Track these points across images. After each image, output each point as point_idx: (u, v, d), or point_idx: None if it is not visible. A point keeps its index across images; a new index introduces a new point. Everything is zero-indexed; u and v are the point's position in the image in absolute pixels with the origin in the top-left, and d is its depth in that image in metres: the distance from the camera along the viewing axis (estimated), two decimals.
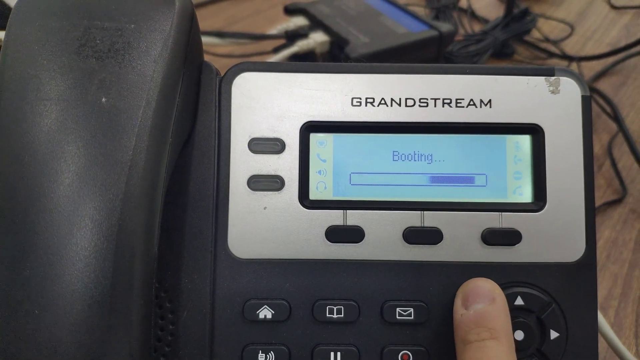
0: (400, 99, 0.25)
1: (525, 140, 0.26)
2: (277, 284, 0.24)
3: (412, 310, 0.24)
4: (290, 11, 0.56)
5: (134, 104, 0.21)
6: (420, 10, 0.59)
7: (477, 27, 0.66)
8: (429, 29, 0.52)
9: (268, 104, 0.25)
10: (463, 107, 0.25)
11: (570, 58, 0.63)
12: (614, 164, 0.50)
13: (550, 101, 0.26)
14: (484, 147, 0.26)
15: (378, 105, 0.25)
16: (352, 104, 0.25)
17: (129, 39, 0.22)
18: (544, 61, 0.63)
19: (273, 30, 0.54)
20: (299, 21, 0.54)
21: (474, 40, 0.59)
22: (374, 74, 0.26)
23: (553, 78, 0.26)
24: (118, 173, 0.20)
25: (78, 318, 0.19)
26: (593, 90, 0.57)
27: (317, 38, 0.51)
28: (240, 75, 0.26)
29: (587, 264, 0.25)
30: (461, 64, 0.26)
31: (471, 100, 0.26)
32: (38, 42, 0.22)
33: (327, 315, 0.24)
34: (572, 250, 0.25)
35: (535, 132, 0.26)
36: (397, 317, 0.24)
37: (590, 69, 0.61)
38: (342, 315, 0.24)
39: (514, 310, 0.24)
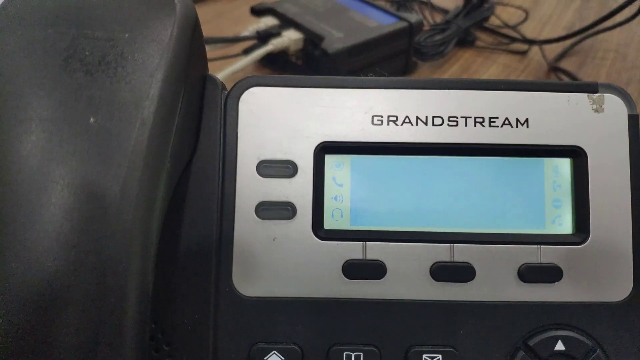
0: (426, 117, 0.23)
1: (565, 164, 0.23)
2: (287, 326, 0.22)
3: (440, 357, 0.22)
4: (257, 12, 0.55)
5: (127, 124, 0.18)
6: (381, 4, 0.60)
7: (438, 18, 0.68)
8: (398, 21, 0.53)
9: (279, 122, 0.23)
10: (497, 126, 0.23)
11: (531, 42, 0.65)
12: None
13: (593, 121, 0.23)
14: (519, 171, 0.23)
15: (402, 124, 0.23)
16: (373, 123, 0.23)
17: (122, 50, 0.20)
18: (507, 46, 0.66)
19: (244, 32, 0.53)
20: (269, 21, 0.53)
21: (439, 29, 0.60)
22: (397, 89, 0.23)
23: (597, 95, 0.23)
24: (107, 206, 0.17)
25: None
26: (558, 69, 0.61)
27: (291, 36, 0.51)
28: (248, 90, 0.23)
29: (636, 303, 0.22)
30: (496, 79, 0.23)
31: (506, 119, 0.23)
32: (20, 54, 0.19)
33: None
34: (619, 288, 0.22)
35: (576, 154, 0.23)
36: None
37: (552, 51, 0.64)
38: None
39: (554, 356, 0.22)
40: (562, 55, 0.64)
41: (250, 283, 0.22)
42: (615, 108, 0.23)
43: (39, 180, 0.17)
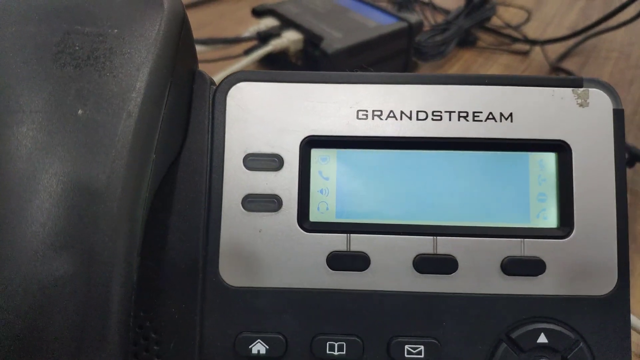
0: (411, 111, 0.23)
1: (550, 158, 0.23)
2: (272, 315, 0.22)
3: (422, 347, 0.22)
4: (258, 13, 0.56)
5: (113, 116, 0.19)
6: (383, 5, 0.61)
7: (439, 18, 0.68)
8: (398, 21, 0.53)
9: (266, 116, 0.23)
10: (481, 121, 0.23)
11: (533, 42, 0.65)
12: None
13: (578, 115, 0.23)
14: (504, 165, 0.23)
15: (386, 119, 0.23)
16: (358, 117, 0.23)
17: (110, 44, 0.20)
18: (508, 46, 0.65)
19: (245, 33, 0.54)
20: (269, 22, 0.54)
21: (440, 30, 0.60)
22: (382, 84, 0.23)
23: (581, 90, 0.23)
24: (93, 194, 0.18)
25: (47, 354, 0.17)
26: (559, 69, 0.61)
27: (291, 36, 0.51)
28: (236, 85, 0.23)
29: (620, 297, 0.22)
30: (480, 74, 0.23)
31: (490, 113, 0.23)
32: (12, 48, 0.20)
33: (328, 352, 0.22)
34: (603, 282, 0.22)
35: (561, 149, 0.23)
36: (406, 356, 0.22)
37: (554, 51, 0.64)
38: (344, 353, 0.22)
39: (536, 349, 0.22)
40: (565, 55, 0.64)
41: (237, 273, 0.22)
42: (600, 102, 0.23)
43: (28, 169, 0.18)
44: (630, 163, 0.46)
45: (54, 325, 0.17)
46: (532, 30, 0.69)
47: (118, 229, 0.18)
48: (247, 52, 0.53)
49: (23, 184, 0.18)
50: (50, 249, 0.18)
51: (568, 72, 0.59)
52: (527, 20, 0.70)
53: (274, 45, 0.51)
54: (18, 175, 0.18)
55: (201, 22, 0.65)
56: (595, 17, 0.59)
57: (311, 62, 0.51)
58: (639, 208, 0.44)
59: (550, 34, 0.68)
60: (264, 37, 0.52)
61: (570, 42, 0.65)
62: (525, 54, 0.64)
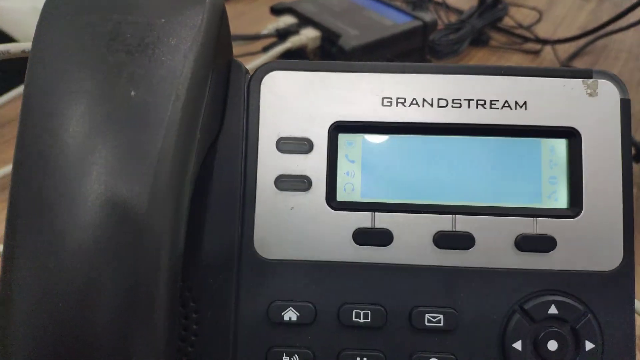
0: (432, 99, 0.25)
1: (561, 144, 0.25)
2: (302, 285, 0.24)
3: (441, 316, 0.23)
4: (276, 11, 0.57)
5: (163, 98, 0.21)
6: (398, 4, 0.62)
7: (452, 18, 0.70)
8: (413, 20, 0.55)
9: (297, 103, 0.25)
10: (497, 108, 0.25)
11: (544, 42, 0.66)
12: None
13: (587, 104, 0.25)
14: (518, 150, 0.25)
15: (409, 106, 0.25)
16: (383, 104, 0.25)
17: (158, 33, 0.22)
18: (520, 45, 0.67)
19: (264, 30, 0.55)
20: (288, 20, 0.55)
21: (453, 29, 0.62)
22: (406, 73, 0.25)
23: (591, 80, 0.25)
24: (146, 167, 0.20)
25: (103, 314, 0.19)
26: None
27: (309, 34, 0.53)
28: (269, 74, 0.25)
29: (625, 273, 0.24)
30: (497, 65, 0.25)
31: (506, 102, 0.25)
32: (69, 36, 0.22)
33: (354, 319, 0.23)
34: (609, 258, 0.24)
35: (571, 135, 0.25)
36: (426, 324, 0.23)
37: (564, 51, 0.66)
38: (369, 320, 0.23)
39: (547, 320, 0.24)
40: (575, 55, 0.65)
41: (270, 247, 0.24)
42: (608, 93, 0.25)
43: (87, 144, 0.20)
44: (637, 158, 0.48)
45: (107, 289, 0.19)
46: (543, 31, 0.70)
47: (167, 201, 0.20)
48: (266, 48, 0.54)
49: (81, 157, 0.20)
50: (104, 219, 0.19)
51: None
52: (539, 20, 0.72)
53: (292, 42, 0.52)
54: (73, 146, 0.20)
55: None
56: (605, 18, 0.60)
57: (328, 58, 0.52)
58: None
59: (560, 34, 0.70)
60: (282, 35, 0.54)
61: (581, 42, 0.66)
62: (536, 53, 0.65)
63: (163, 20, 0.22)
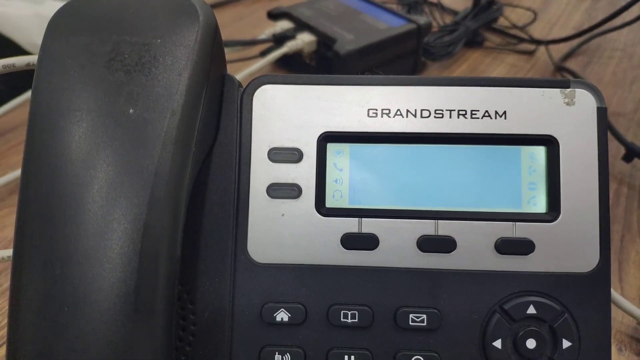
0: (415, 110, 0.26)
1: (539, 151, 0.26)
2: (293, 288, 0.25)
3: (425, 316, 0.25)
4: (273, 16, 0.58)
5: (160, 114, 0.22)
6: (393, 7, 0.63)
7: (448, 19, 0.71)
8: (407, 23, 0.56)
9: (287, 115, 0.26)
10: (478, 118, 0.26)
11: (538, 42, 0.67)
12: None
13: (565, 113, 0.26)
14: (498, 157, 0.26)
15: (394, 116, 0.26)
16: (369, 115, 0.26)
17: (155, 53, 0.23)
18: (514, 46, 0.68)
19: (261, 35, 0.57)
20: (284, 24, 0.57)
21: (448, 30, 0.63)
22: (390, 85, 0.26)
23: (568, 90, 0.26)
24: (144, 180, 0.21)
25: (105, 315, 0.20)
26: (563, 69, 0.63)
27: (305, 38, 0.54)
28: (261, 87, 0.27)
29: (601, 275, 0.25)
30: (477, 77, 0.26)
31: (486, 111, 0.26)
32: (70, 56, 0.23)
33: (342, 319, 0.25)
34: (586, 260, 0.25)
35: (550, 143, 0.26)
36: (410, 323, 0.25)
37: (559, 51, 0.66)
38: (357, 320, 0.25)
39: (526, 319, 0.25)
40: (569, 55, 0.66)
41: (263, 251, 0.26)
42: (585, 101, 0.26)
43: (87, 160, 0.21)
44: (629, 158, 0.49)
45: (110, 290, 0.20)
46: (538, 31, 0.71)
47: (165, 210, 0.21)
48: (263, 53, 0.56)
49: (82, 172, 0.21)
50: (103, 227, 0.21)
51: (572, 72, 0.62)
52: (533, 20, 0.73)
53: (288, 46, 0.54)
54: (80, 165, 0.21)
55: (219, 25, 0.69)
56: (599, 18, 0.61)
57: (324, 62, 0.54)
58: (636, 200, 0.47)
59: (555, 34, 0.71)
60: (279, 39, 0.55)
61: (575, 42, 0.67)
62: (530, 53, 0.66)
63: (159, 40, 0.24)
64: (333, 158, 0.26)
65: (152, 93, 0.22)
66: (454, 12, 0.72)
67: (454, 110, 0.26)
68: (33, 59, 0.33)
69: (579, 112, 0.26)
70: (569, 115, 0.26)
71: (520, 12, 0.75)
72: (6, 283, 0.37)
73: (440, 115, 0.26)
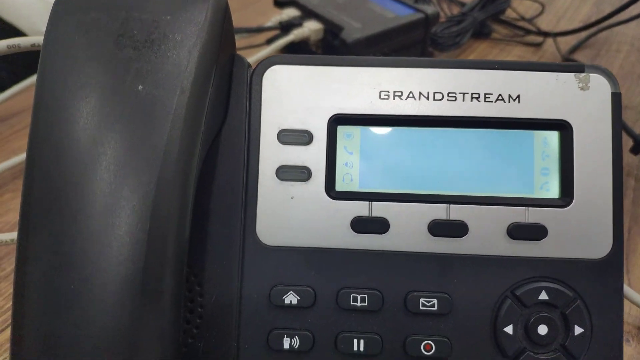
0: (428, 92, 0.26)
1: (553, 137, 0.26)
2: (302, 271, 0.25)
3: (435, 301, 0.24)
4: (280, 3, 0.58)
5: (169, 92, 0.22)
6: None
7: (455, 10, 0.70)
8: (415, 12, 0.55)
9: (297, 96, 0.26)
10: (491, 102, 0.26)
11: (546, 34, 0.66)
12: None
13: (579, 98, 0.26)
14: (511, 142, 0.26)
15: (406, 99, 0.26)
16: (380, 97, 0.26)
17: (164, 30, 0.23)
18: (522, 38, 0.67)
19: (268, 23, 0.56)
20: (291, 12, 0.56)
21: (455, 21, 0.62)
22: (403, 67, 0.26)
23: (583, 74, 0.26)
24: (153, 157, 0.21)
25: (112, 296, 0.20)
26: (570, 61, 0.62)
27: (312, 26, 0.54)
28: (271, 68, 0.26)
29: (614, 261, 0.25)
30: (491, 60, 0.26)
31: (499, 95, 0.26)
32: (78, 33, 0.23)
33: (351, 303, 0.25)
34: (599, 247, 0.25)
35: (563, 128, 0.26)
36: (421, 308, 0.24)
37: (566, 43, 0.66)
38: (366, 304, 0.25)
39: (538, 305, 0.25)
40: (576, 47, 0.65)
41: (272, 234, 0.25)
42: (599, 86, 0.26)
43: (95, 137, 0.21)
44: (636, 151, 0.48)
45: (118, 271, 0.20)
46: (545, 23, 0.70)
47: (174, 189, 0.21)
48: (269, 41, 0.55)
49: (89, 150, 0.21)
50: (110, 206, 0.20)
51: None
52: (541, 12, 0.72)
53: (295, 34, 0.53)
54: (83, 138, 0.21)
55: None
56: (607, 11, 0.60)
57: (331, 51, 0.53)
58: None
59: (563, 26, 0.70)
60: (285, 27, 0.55)
61: (582, 34, 0.66)
62: (538, 45, 0.66)
63: (169, 17, 0.23)
64: (344, 141, 0.26)
65: (161, 70, 0.22)
66: (461, 3, 0.71)
67: (467, 93, 0.26)
68: (38, 39, 0.33)
69: (593, 97, 0.26)
70: (583, 100, 0.26)
71: (527, 4, 0.75)
72: (10, 267, 0.36)
73: (454, 98, 0.26)
